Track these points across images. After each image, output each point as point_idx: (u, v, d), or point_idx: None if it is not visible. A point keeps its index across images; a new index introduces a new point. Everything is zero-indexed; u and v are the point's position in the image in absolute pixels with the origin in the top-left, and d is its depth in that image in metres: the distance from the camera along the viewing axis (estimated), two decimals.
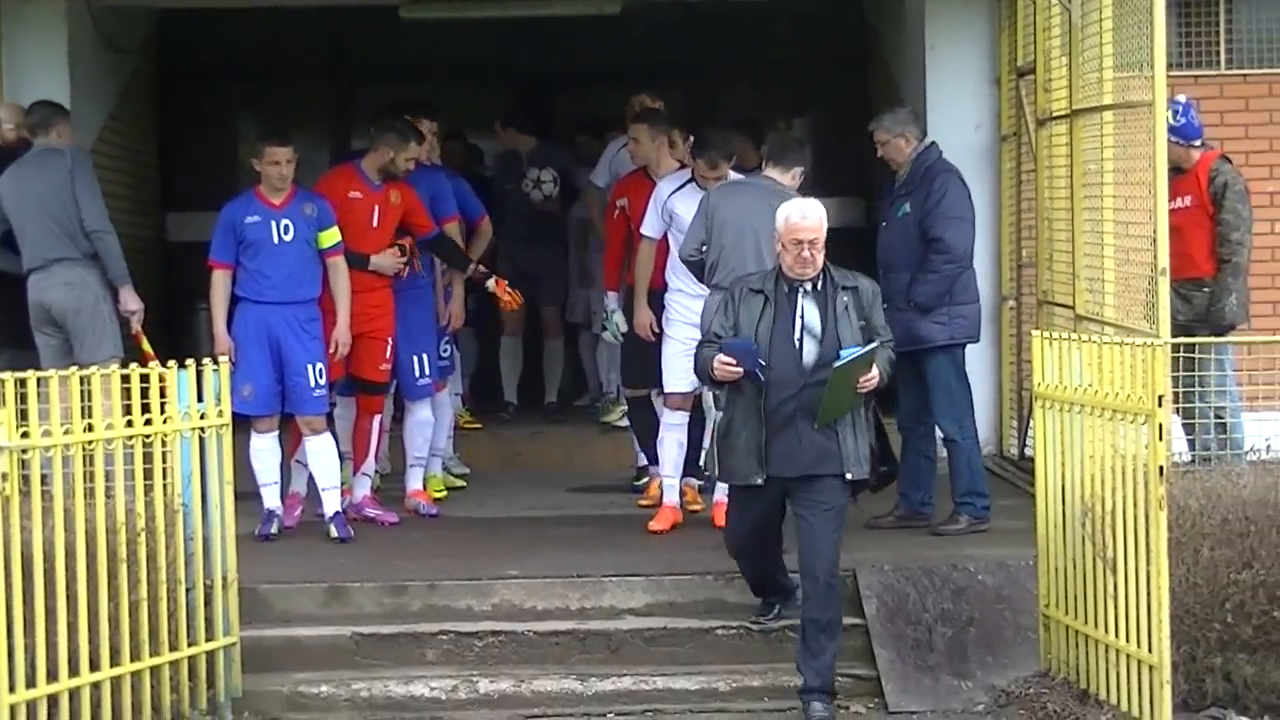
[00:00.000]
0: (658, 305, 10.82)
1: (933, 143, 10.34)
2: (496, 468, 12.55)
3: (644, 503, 11.09)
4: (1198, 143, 10.61)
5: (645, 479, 11.44)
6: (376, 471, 11.25)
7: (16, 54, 11.96)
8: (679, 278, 10.49)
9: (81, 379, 7.93)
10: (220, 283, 10.36)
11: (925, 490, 10.24)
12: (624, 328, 11.27)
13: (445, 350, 11.66)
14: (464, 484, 12.05)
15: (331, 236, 10.42)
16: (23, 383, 7.76)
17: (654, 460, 11.10)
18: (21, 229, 10.70)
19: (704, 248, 9.92)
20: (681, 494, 10.89)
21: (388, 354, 10.83)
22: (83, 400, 7.93)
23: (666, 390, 10.63)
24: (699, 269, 10.01)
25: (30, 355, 10.33)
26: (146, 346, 10.68)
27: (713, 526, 10.39)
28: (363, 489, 10.94)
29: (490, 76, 15.12)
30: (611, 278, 11.45)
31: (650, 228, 10.72)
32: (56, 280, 10.58)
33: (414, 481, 11.25)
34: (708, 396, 10.61)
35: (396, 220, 10.81)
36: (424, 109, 11.80)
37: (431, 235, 11.05)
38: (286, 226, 10.32)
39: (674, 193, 10.53)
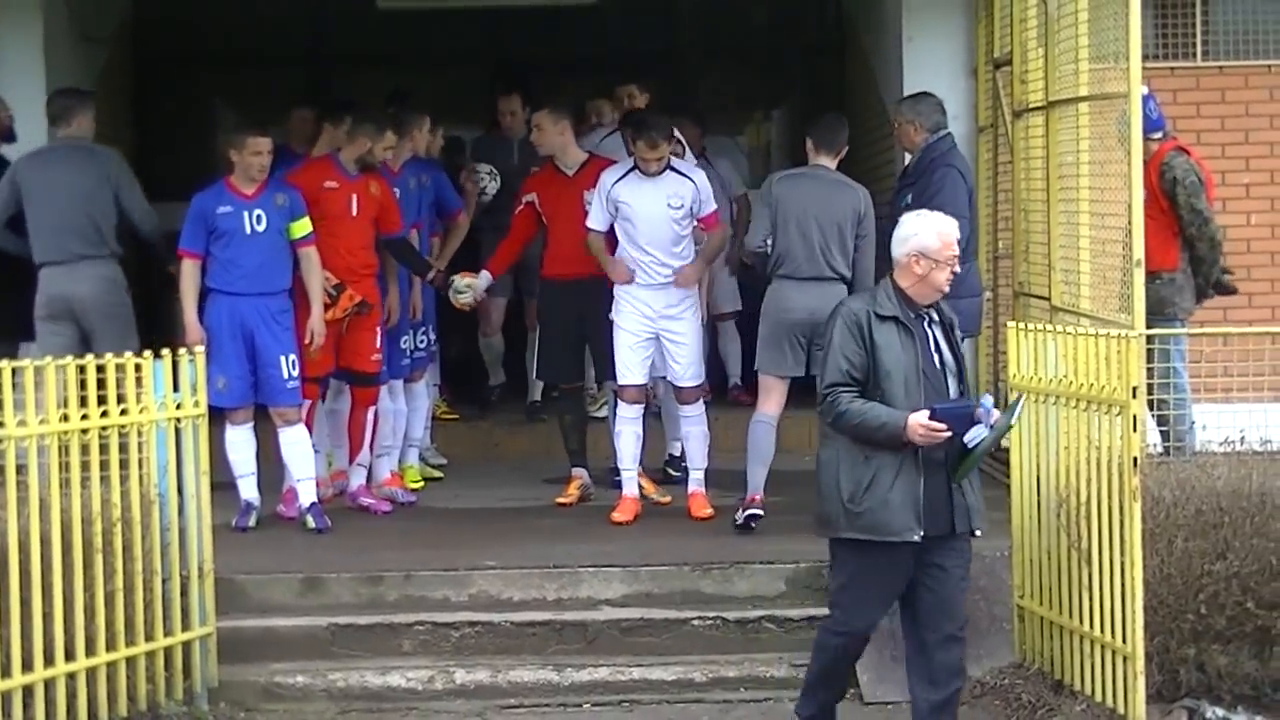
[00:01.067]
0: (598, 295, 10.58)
1: (946, 135, 10.34)
2: (474, 459, 12.54)
3: (563, 500, 10.97)
4: (1156, 135, 10.60)
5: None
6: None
7: None
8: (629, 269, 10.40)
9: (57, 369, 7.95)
10: (190, 272, 10.32)
11: None
12: (468, 299, 11.03)
13: (423, 341, 11.64)
14: (441, 475, 12.03)
15: (303, 227, 10.39)
16: None
17: (578, 459, 11.06)
18: (40, 219, 10.52)
19: (769, 240, 9.83)
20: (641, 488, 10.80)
21: (377, 344, 10.79)
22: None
23: (620, 384, 10.54)
24: (764, 260, 9.88)
25: (7, 347, 10.21)
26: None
27: (688, 517, 10.42)
28: (358, 479, 10.96)
29: (468, 65, 15.11)
30: (495, 261, 11.13)
31: (596, 220, 10.45)
32: (86, 274, 10.49)
33: (383, 471, 11.20)
34: (669, 401, 10.63)
35: (375, 211, 10.75)
36: (404, 102, 11.83)
37: (397, 236, 10.93)
38: (259, 217, 10.29)
39: (617, 182, 10.37)
